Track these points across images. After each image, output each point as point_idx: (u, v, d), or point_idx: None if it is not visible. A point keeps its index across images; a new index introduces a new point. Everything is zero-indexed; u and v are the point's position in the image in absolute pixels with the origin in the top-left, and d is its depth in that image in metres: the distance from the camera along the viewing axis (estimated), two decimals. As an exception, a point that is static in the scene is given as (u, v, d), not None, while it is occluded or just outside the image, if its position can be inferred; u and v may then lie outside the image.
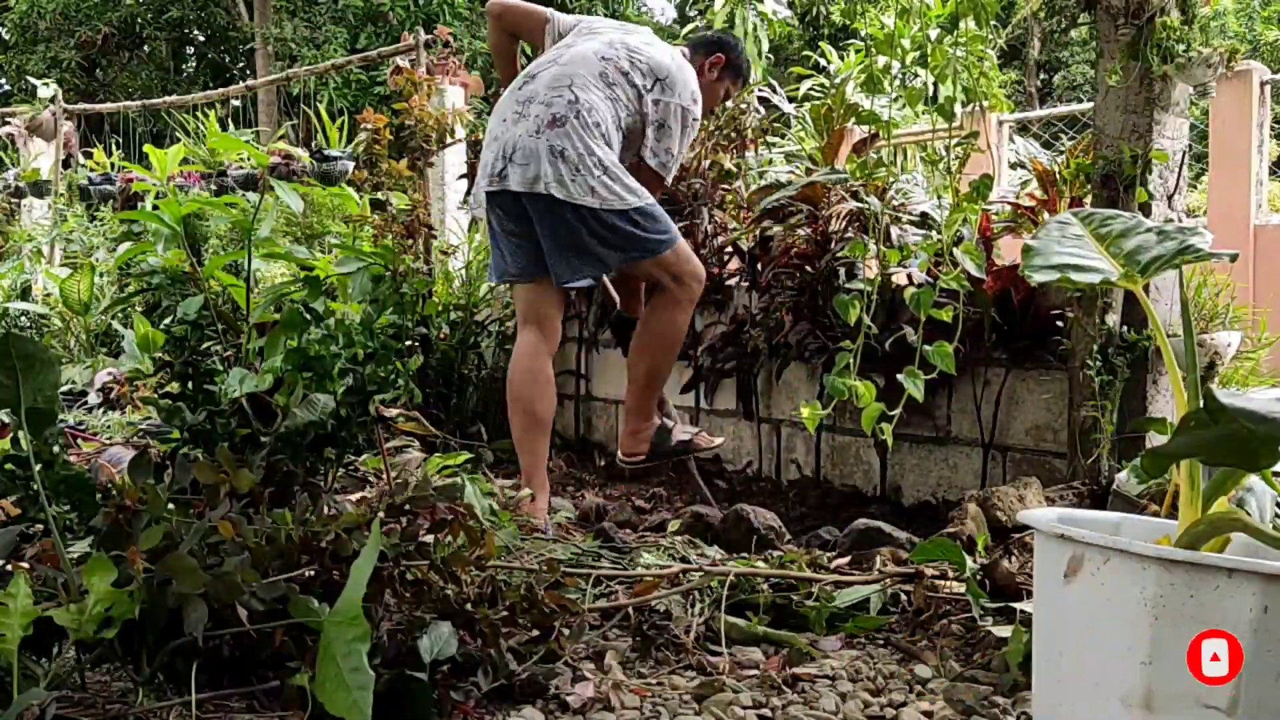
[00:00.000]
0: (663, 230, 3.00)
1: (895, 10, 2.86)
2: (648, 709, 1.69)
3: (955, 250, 2.91)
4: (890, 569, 2.30)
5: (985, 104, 2.92)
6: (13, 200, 8.50)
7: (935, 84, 2.94)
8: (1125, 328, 2.83)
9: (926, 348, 2.79)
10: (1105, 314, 2.84)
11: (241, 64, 19.12)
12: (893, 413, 2.80)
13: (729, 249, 4.06)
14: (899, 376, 2.80)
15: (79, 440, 3.68)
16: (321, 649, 1.43)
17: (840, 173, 3.42)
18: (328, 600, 1.52)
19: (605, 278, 3.33)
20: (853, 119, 3.87)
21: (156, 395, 2.42)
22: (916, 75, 3.29)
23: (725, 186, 4.13)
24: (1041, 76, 19.49)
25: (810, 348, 3.61)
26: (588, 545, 2.54)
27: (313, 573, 1.65)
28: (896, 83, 3.06)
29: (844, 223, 3.54)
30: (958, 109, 2.97)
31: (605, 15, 16.76)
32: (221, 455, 1.77)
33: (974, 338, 3.17)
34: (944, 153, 2.98)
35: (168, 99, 8.65)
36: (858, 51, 6.84)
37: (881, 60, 3.10)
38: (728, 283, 4.03)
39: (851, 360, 2.80)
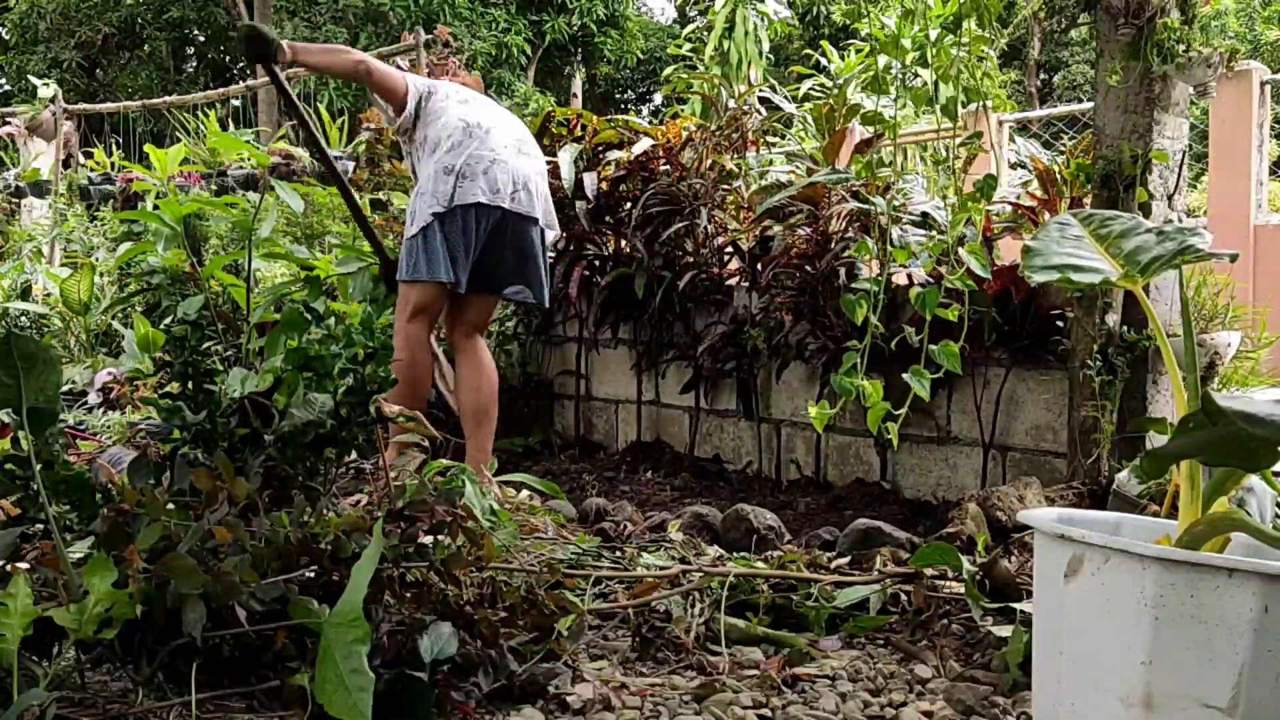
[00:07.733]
0: None
1: (900, 10, 2.86)
2: (648, 709, 1.69)
3: (960, 250, 2.91)
4: (890, 569, 2.30)
5: (989, 104, 2.91)
6: (13, 200, 8.49)
7: (936, 84, 2.93)
8: (1125, 328, 2.83)
9: (932, 347, 2.79)
10: (1105, 314, 2.84)
11: (242, 64, 19.10)
12: (899, 412, 2.79)
13: (729, 249, 4.06)
14: (905, 375, 2.79)
15: (79, 440, 3.67)
16: (322, 651, 1.43)
17: (841, 173, 3.42)
18: (328, 601, 1.52)
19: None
20: (855, 119, 3.87)
21: (156, 395, 2.41)
22: (917, 75, 3.29)
23: (726, 186, 4.13)
24: (1041, 76, 19.48)
25: (810, 348, 3.61)
26: (588, 545, 2.54)
27: (313, 574, 1.65)
28: (897, 83, 3.06)
29: (844, 223, 3.54)
30: (959, 109, 2.96)
31: (605, 15, 16.75)
32: (219, 462, 1.77)
33: (974, 337, 3.17)
34: (946, 153, 2.98)
35: (168, 99, 8.64)
36: (858, 52, 6.84)
37: (883, 60, 3.09)
38: (728, 283, 4.03)
39: (859, 360, 2.80)
